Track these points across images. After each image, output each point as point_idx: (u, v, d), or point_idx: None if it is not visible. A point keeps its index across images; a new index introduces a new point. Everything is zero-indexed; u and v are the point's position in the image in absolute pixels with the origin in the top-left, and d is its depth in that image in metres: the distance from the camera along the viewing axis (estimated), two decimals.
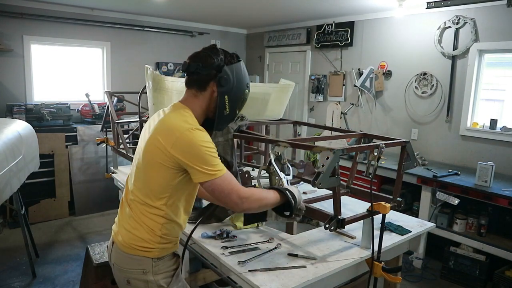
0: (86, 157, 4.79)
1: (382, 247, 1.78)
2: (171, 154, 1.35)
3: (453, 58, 3.98)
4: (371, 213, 1.76)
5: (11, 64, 4.66)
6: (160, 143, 1.37)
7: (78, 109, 4.99)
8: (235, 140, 2.13)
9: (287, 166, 1.86)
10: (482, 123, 3.85)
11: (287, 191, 1.54)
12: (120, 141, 3.36)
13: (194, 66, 1.45)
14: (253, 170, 2.81)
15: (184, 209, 1.54)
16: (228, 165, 2.04)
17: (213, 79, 1.45)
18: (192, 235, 1.74)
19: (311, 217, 2.25)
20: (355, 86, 4.81)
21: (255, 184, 2.12)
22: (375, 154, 1.76)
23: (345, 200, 2.37)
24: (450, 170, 3.61)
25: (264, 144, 3.02)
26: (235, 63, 1.52)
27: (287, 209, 1.56)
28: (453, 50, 3.96)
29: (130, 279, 1.48)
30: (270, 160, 1.81)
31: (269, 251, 1.78)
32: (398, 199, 1.98)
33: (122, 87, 5.25)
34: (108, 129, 3.92)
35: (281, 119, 3.00)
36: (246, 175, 2.24)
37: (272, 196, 1.51)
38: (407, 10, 4.15)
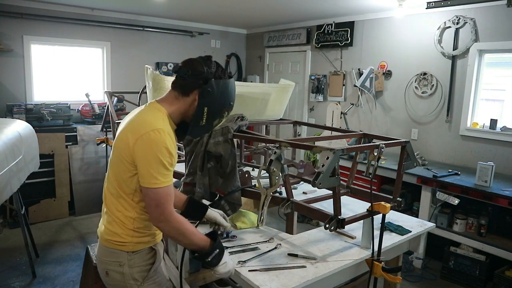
0: (86, 157, 4.79)
1: (382, 247, 1.78)
2: (132, 150, 1.38)
3: (453, 58, 3.98)
4: (371, 213, 1.76)
5: (11, 64, 4.66)
6: (127, 138, 1.39)
7: (78, 109, 4.99)
8: (235, 140, 2.13)
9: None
10: (482, 123, 3.85)
11: (217, 250, 1.51)
12: None
13: (184, 71, 1.48)
14: (253, 170, 2.81)
15: None
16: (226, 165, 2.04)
17: (198, 88, 1.47)
18: None
19: (311, 217, 2.25)
20: (355, 86, 4.81)
21: (255, 184, 2.12)
22: (375, 154, 1.77)
23: (345, 200, 2.37)
24: (450, 170, 3.61)
25: (264, 144, 3.02)
26: (224, 79, 1.53)
27: (205, 257, 1.50)
28: (453, 50, 3.96)
29: (108, 271, 1.53)
30: (270, 160, 1.81)
31: (269, 251, 1.78)
32: (398, 199, 1.98)
33: (122, 87, 5.25)
34: (108, 129, 3.93)
35: (281, 119, 3.00)
36: (246, 175, 2.24)
37: (199, 240, 1.48)
38: (407, 10, 4.15)
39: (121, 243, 1.49)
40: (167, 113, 1.48)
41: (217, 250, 1.51)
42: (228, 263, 1.54)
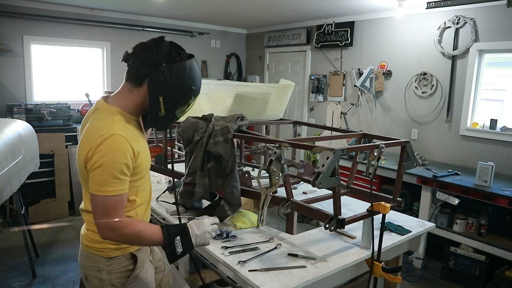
0: None
1: (382, 247, 1.78)
2: (90, 159, 1.29)
3: (453, 58, 3.98)
4: (371, 213, 1.76)
5: (11, 64, 4.66)
6: (84, 150, 1.30)
7: (78, 109, 4.98)
8: (235, 140, 2.12)
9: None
10: (482, 123, 3.85)
11: (177, 237, 1.36)
12: None
13: (131, 58, 1.33)
14: (253, 170, 2.81)
15: (138, 209, 1.48)
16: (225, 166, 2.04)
17: (148, 76, 1.33)
18: None
19: (311, 217, 2.25)
20: (355, 86, 4.81)
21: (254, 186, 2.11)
22: (375, 154, 1.77)
23: (345, 200, 2.38)
24: (450, 170, 3.61)
25: (264, 144, 3.02)
26: (178, 62, 1.36)
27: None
28: (453, 50, 3.96)
29: (87, 276, 1.49)
30: (270, 160, 1.81)
31: (269, 251, 1.78)
32: (398, 199, 1.98)
33: None
34: None
35: (281, 119, 3.00)
36: (246, 175, 2.24)
37: (156, 237, 1.35)
38: (407, 10, 4.15)
39: (98, 249, 1.45)
40: (119, 110, 1.37)
41: (178, 237, 1.37)
42: (199, 235, 1.42)
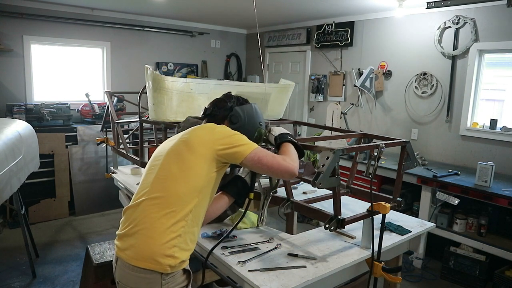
0: (86, 157, 4.79)
1: (382, 247, 1.78)
2: (214, 141, 1.50)
3: (453, 58, 3.98)
4: (371, 213, 1.76)
5: (11, 64, 4.66)
6: (203, 136, 1.52)
7: (78, 109, 4.99)
8: None
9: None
10: (482, 123, 3.85)
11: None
12: (120, 141, 3.36)
13: (211, 109, 1.72)
14: None
15: (201, 217, 1.53)
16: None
17: (226, 117, 1.69)
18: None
19: (311, 217, 2.25)
20: (355, 86, 4.81)
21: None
22: (375, 154, 1.76)
23: (345, 200, 2.38)
24: (450, 170, 3.61)
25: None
26: (246, 104, 1.76)
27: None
28: (453, 50, 3.96)
29: None
30: None
31: (269, 251, 1.78)
32: (398, 199, 1.98)
33: (122, 87, 5.25)
34: (108, 129, 3.92)
35: (281, 119, 3.00)
36: None
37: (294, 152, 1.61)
38: (407, 10, 4.15)
39: (159, 263, 1.36)
40: None
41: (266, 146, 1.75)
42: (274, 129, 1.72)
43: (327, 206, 2.06)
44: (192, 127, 1.61)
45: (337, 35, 5.10)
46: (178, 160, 1.48)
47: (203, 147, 1.49)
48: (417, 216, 3.36)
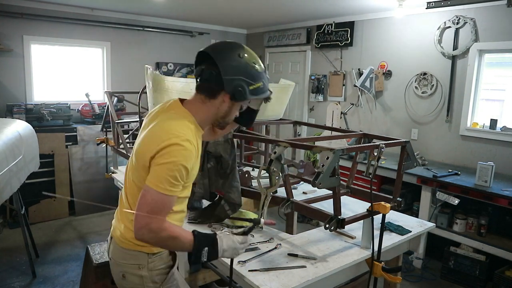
0: (86, 157, 4.79)
1: (382, 247, 1.78)
2: (153, 158, 1.30)
3: (453, 58, 3.98)
4: (371, 213, 1.76)
5: (11, 64, 4.66)
6: (149, 145, 1.32)
7: (78, 109, 4.99)
8: (235, 140, 2.13)
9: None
10: (482, 123, 3.85)
11: (204, 248, 1.35)
12: (120, 141, 3.36)
13: (208, 73, 1.41)
14: (253, 170, 2.81)
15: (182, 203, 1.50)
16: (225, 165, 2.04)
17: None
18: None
19: (311, 217, 2.25)
20: (355, 86, 4.81)
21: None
22: (375, 154, 1.77)
23: (345, 200, 2.38)
24: (450, 170, 3.61)
25: (264, 144, 3.03)
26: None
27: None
28: (453, 50, 3.96)
29: (125, 274, 1.48)
30: (270, 160, 1.81)
31: (269, 251, 1.78)
32: (398, 199, 1.98)
33: (122, 87, 5.24)
34: (108, 129, 3.92)
35: (281, 119, 3.00)
36: (246, 175, 2.24)
37: (186, 242, 1.34)
38: (407, 10, 4.15)
39: (141, 245, 1.42)
40: (194, 120, 1.41)
41: (206, 248, 1.35)
42: (226, 250, 1.40)
43: (327, 206, 2.06)
44: (160, 118, 1.44)
45: (337, 35, 5.10)
46: (137, 154, 1.42)
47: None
48: (417, 216, 3.36)
